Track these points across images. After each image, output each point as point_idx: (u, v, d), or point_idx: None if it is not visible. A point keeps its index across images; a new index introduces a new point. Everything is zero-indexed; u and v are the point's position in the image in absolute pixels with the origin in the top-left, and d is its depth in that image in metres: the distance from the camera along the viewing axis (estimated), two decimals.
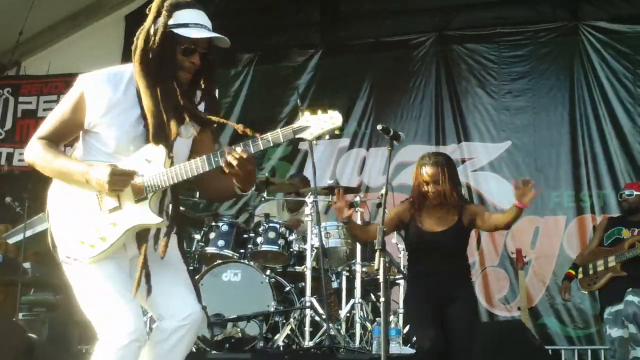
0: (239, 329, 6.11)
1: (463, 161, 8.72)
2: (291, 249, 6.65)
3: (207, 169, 3.18)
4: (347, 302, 6.40)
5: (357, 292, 6.33)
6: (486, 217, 5.01)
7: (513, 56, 8.82)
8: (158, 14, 3.27)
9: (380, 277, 4.25)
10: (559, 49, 8.68)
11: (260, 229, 6.67)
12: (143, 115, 3.26)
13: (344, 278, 6.51)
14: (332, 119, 3.11)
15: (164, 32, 3.23)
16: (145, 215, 3.23)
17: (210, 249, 6.70)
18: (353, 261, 6.48)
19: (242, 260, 6.51)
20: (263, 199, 7.31)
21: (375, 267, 4.23)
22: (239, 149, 3.12)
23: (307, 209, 6.39)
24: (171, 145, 3.27)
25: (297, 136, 3.11)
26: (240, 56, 9.63)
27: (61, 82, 9.92)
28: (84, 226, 3.23)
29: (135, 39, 3.31)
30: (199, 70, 3.34)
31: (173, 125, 3.26)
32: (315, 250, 6.39)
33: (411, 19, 9.28)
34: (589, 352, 7.87)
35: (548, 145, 8.52)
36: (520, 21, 8.86)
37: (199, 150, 3.39)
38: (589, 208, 8.22)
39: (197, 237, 6.82)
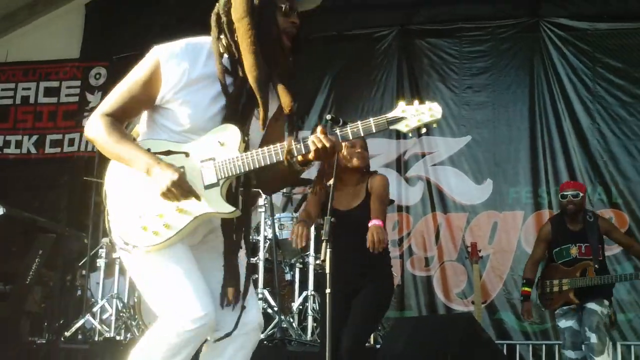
0: None
1: (423, 155, 8.74)
2: None
3: (289, 157, 2.91)
4: (299, 295, 6.38)
5: (310, 284, 6.31)
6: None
7: (474, 51, 8.84)
8: None
9: (327, 269, 4.20)
10: (520, 45, 8.71)
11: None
12: (225, 92, 2.97)
13: (297, 270, 6.50)
14: (431, 110, 2.83)
15: None
16: (217, 203, 2.92)
17: None
18: (307, 253, 6.46)
19: None
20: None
21: (322, 258, 4.17)
22: (325, 138, 2.84)
23: (261, 201, 6.35)
24: (248, 127, 2.99)
25: (391, 127, 2.84)
26: None
27: (19, 71, 9.82)
28: (146, 210, 2.94)
29: (223, 12, 2.99)
30: (296, 36, 3.03)
31: (287, 98, 2.98)
32: (268, 242, 6.36)
33: (374, 13, 9.25)
34: (544, 347, 7.89)
35: (507, 141, 8.55)
36: (482, 17, 8.87)
37: (269, 136, 3.10)
38: (547, 204, 8.25)
39: None
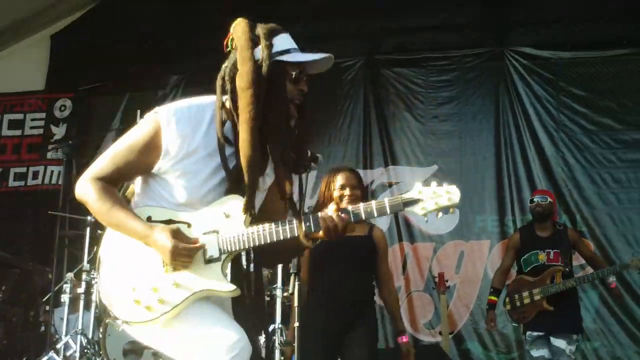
0: (159, 357, 5.99)
1: (390, 185, 8.74)
2: None
3: (296, 234, 2.75)
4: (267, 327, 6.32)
5: (277, 316, 6.27)
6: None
7: (440, 81, 8.89)
8: (255, 45, 2.81)
9: (295, 302, 4.18)
10: (485, 74, 8.77)
11: None
12: (225, 168, 2.81)
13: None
14: (449, 194, 2.72)
15: (271, 64, 2.78)
16: (217, 280, 2.75)
17: None
18: (274, 285, 6.42)
19: None
20: None
21: (290, 291, 4.15)
22: (337, 217, 2.73)
23: None
24: (253, 200, 2.81)
25: (406, 209, 2.72)
26: (168, 77, 9.52)
27: None
28: (140, 283, 2.76)
29: (228, 78, 2.84)
30: (303, 103, 2.88)
31: (282, 181, 2.85)
32: None
33: (340, 42, 9.25)
34: None
35: (473, 170, 8.59)
36: (448, 46, 8.92)
37: (268, 206, 2.98)
38: (513, 233, 8.26)
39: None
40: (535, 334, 6.50)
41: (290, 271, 4.10)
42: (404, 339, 5.05)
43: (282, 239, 2.75)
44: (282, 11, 8.80)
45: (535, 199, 6.87)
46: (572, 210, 8.18)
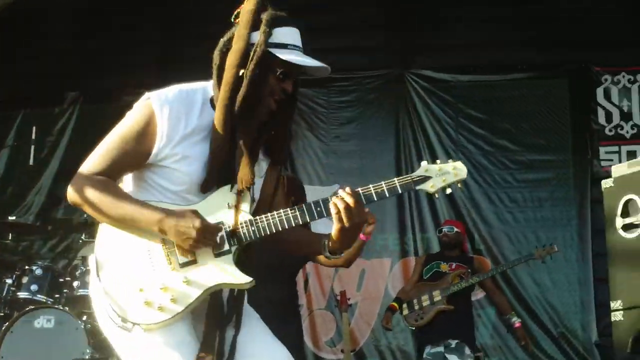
0: None
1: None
2: None
3: (308, 220, 2.65)
4: None
5: None
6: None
7: (342, 101, 8.95)
8: (254, 27, 2.69)
9: None
10: (386, 96, 8.88)
11: (77, 273, 6.38)
12: (224, 147, 2.69)
13: None
14: (455, 169, 2.71)
15: (263, 52, 2.65)
16: (231, 273, 2.63)
17: (22, 294, 6.32)
18: None
19: (56, 306, 6.18)
20: (81, 241, 7.00)
21: None
22: (348, 198, 2.60)
23: None
24: (213, 179, 2.67)
25: (417, 187, 2.69)
26: (66, 94, 9.29)
27: None
28: (147, 283, 2.60)
29: (218, 52, 2.73)
30: (287, 100, 2.77)
31: (247, 172, 2.67)
32: None
33: None
34: None
35: None
36: (350, 67, 8.97)
37: (266, 193, 2.85)
38: (413, 251, 8.40)
39: (9, 281, 6.42)
40: (433, 350, 6.58)
41: None
42: None
43: (293, 225, 2.64)
44: None
45: (443, 229, 7.06)
46: (470, 230, 8.34)
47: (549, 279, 8.12)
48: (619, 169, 5.19)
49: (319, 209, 2.65)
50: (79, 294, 6.29)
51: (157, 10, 8.95)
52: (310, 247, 2.92)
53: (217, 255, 2.64)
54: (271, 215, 2.65)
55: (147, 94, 2.70)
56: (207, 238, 2.59)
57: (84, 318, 6.18)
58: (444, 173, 2.70)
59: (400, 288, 7.25)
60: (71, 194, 2.69)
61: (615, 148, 8.38)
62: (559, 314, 8.11)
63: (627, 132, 8.41)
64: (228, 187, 2.68)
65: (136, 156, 2.67)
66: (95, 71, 9.14)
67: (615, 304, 5.00)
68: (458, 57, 8.80)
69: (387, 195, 2.68)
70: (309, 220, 2.65)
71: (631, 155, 7.91)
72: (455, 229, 6.99)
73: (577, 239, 8.27)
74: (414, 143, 8.68)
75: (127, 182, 2.78)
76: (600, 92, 8.52)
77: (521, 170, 8.48)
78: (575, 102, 8.57)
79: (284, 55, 2.68)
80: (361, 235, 4.59)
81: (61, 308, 6.16)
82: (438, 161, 2.73)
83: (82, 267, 6.38)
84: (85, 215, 7.20)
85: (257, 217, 2.66)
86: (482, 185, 8.49)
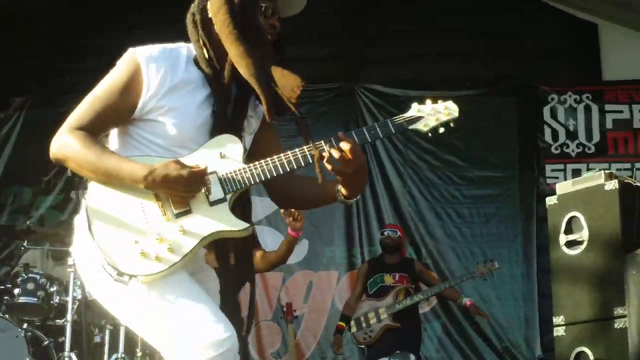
0: None
1: None
2: (52, 301, 6.29)
3: (303, 165, 2.60)
4: (109, 357, 6.13)
5: (121, 346, 6.10)
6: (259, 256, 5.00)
7: (291, 114, 8.92)
8: None
9: None
10: (336, 109, 8.88)
11: (19, 280, 6.28)
12: (215, 96, 2.65)
13: (107, 332, 6.24)
14: (447, 109, 2.67)
15: None
16: (228, 220, 2.56)
17: None
18: None
19: None
20: (23, 248, 6.89)
21: None
22: (343, 141, 2.56)
23: (70, 260, 6.09)
24: (272, 106, 2.62)
25: (410, 127, 2.65)
26: (12, 99, 9.13)
27: None
28: (142, 234, 2.53)
29: (197, 10, 2.71)
30: (276, 41, 2.73)
31: (289, 76, 2.63)
32: (77, 303, 6.10)
33: None
34: None
35: None
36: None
37: (263, 150, 2.75)
38: (360, 264, 8.37)
39: None
40: None
41: None
42: None
43: (288, 170, 2.61)
44: None
45: (386, 232, 7.18)
46: (417, 243, 8.39)
47: (494, 294, 8.19)
48: (564, 187, 5.27)
49: (312, 152, 2.61)
50: (20, 301, 6.20)
51: (105, 19, 8.86)
52: (325, 197, 2.81)
53: (212, 203, 2.58)
54: (264, 162, 2.60)
55: (131, 49, 2.66)
56: (198, 182, 2.53)
57: (25, 326, 6.11)
58: (436, 112, 2.67)
59: (345, 303, 7.27)
60: (54, 150, 2.62)
61: (561, 166, 8.52)
62: (503, 328, 8.18)
63: (573, 150, 8.56)
64: (218, 138, 2.64)
65: (121, 110, 2.62)
66: (42, 77, 9.03)
67: (558, 320, 5.06)
68: (408, 72, 8.86)
69: (381, 135, 2.64)
70: (303, 165, 2.61)
71: (576, 173, 8.02)
72: (399, 233, 7.11)
73: (522, 255, 8.37)
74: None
75: (112, 139, 2.72)
76: (547, 111, 8.66)
77: (468, 186, 8.56)
78: (523, 120, 8.70)
79: None
80: (291, 232, 4.61)
81: (1, 315, 6.07)
82: (428, 101, 2.70)
83: (24, 275, 6.29)
84: (28, 222, 7.13)
85: (251, 164, 2.61)
86: (429, 200, 8.55)
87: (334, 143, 2.59)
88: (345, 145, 2.56)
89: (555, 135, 8.62)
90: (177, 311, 2.50)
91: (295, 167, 2.62)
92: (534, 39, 8.70)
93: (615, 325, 4.64)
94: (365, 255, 8.38)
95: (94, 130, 2.60)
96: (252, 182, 2.59)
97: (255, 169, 2.60)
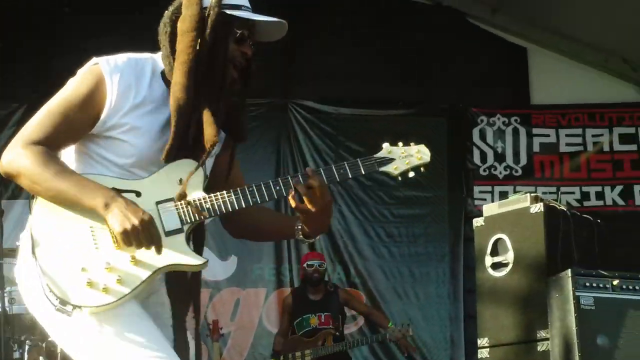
0: None
1: None
2: None
3: (267, 200, 2.49)
4: None
5: None
6: None
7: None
8: None
9: None
10: (269, 124, 8.82)
11: None
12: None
13: (26, 347, 6.06)
14: (419, 153, 2.59)
15: (218, 13, 2.49)
16: (184, 253, 2.40)
17: None
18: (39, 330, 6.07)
19: None
20: None
21: None
22: (311, 179, 2.46)
23: None
24: (175, 147, 2.46)
25: (380, 169, 2.56)
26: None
27: None
28: (90, 262, 2.33)
29: (168, 21, 2.56)
30: (245, 68, 2.59)
31: (211, 131, 2.46)
32: None
33: None
34: None
35: None
36: None
37: (217, 175, 2.64)
38: (289, 281, 8.36)
39: None
40: None
41: None
42: None
43: (250, 204, 2.47)
44: None
45: (313, 264, 7.13)
46: (346, 262, 8.39)
47: (420, 314, 8.24)
48: (490, 209, 5.32)
49: (277, 188, 2.51)
50: None
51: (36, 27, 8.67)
52: (282, 232, 2.77)
53: (168, 234, 2.41)
54: (227, 193, 2.47)
55: (94, 59, 2.50)
56: (143, 238, 2.33)
57: None
58: (407, 156, 2.59)
59: (275, 335, 7.25)
60: (5, 164, 2.41)
61: (489, 188, 8.62)
62: (429, 349, 8.22)
63: (500, 172, 8.67)
64: (178, 162, 2.48)
65: (81, 124, 2.45)
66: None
67: (482, 341, 5.08)
68: (340, 90, 8.88)
69: (350, 175, 2.54)
70: (267, 200, 2.50)
71: (503, 195, 8.11)
72: (324, 263, 7.10)
73: (449, 275, 8.43)
74: (294, 173, 8.65)
75: (67, 156, 2.54)
76: (476, 132, 8.77)
77: (398, 205, 8.59)
78: (452, 141, 8.79)
79: (240, 14, 2.56)
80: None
81: None
82: (400, 143, 2.61)
83: None
84: None
85: (212, 195, 2.47)
86: (359, 218, 8.56)
87: (301, 179, 2.50)
88: (314, 182, 2.48)
89: (483, 157, 8.73)
90: (122, 352, 2.33)
91: (260, 202, 2.50)
92: (465, 61, 8.81)
93: (538, 348, 4.69)
94: (293, 272, 8.32)
95: (51, 145, 2.42)
96: (212, 215, 2.47)
97: (216, 200, 2.46)
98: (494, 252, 5.08)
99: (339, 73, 8.77)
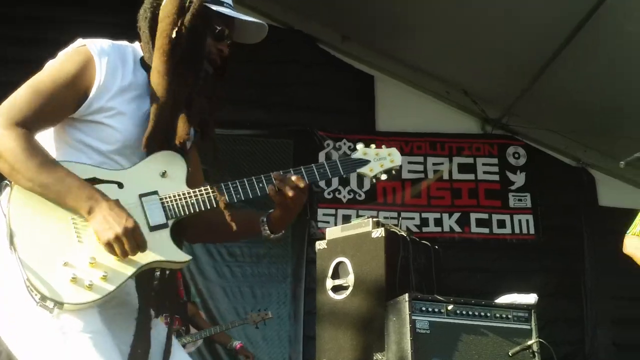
0: None
1: None
2: None
3: (250, 196, 2.53)
4: None
5: None
6: None
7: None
8: None
9: None
10: None
11: None
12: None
13: None
14: (391, 156, 2.65)
15: (200, 6, 2.46)
16: (169, 249, 2.35)
17: None
18: None
19: None
20: None
21: None
22: (293, 177, 2.53)
23: None
24: (157, 133, 2.41)
25: (357, 170, 2.62)
26: None
27: None
28: (73, 256, 2.21)
29: (149, 6, 2.51)
30: (221, 66, 2.60)
31: (183, 127, 2.45)
32: None
33: None
34: None
35: None
36: None
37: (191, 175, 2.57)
38: None
39: None
40: None
41: None
42: None
43: (235, 201, 2.49)
44: None
45: None
46: (187, 282, 8.25)
47: (260, 335, 8.19)
48: (333, 232, 5.37)
49: (261, 185, 2.55)
50: None
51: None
52: (249, 228, 2.73)
53: (153, 229, 2.35)
54: (211, 188, 2.48)
55: (80, 40, 2.44)
56: (127, 246, 2.25)
57: None
58: (380, 158, 2.66)
59: None
60: None
61: (332, 211, 8.72)
62: None
63: (344, 196, 8.79)
64: (159, 154, 2.45)
65: (66, 105, 2.34)
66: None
67: None
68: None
69: (330, 176, 2.63)
70: (251, 197, 2.53)
71: (346, 219, 8.23)
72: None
73: (290, 297, 8.45)
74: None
75: (45, 141, 2.39)
76: (322, 156, 8.85)
77: None
78: (299, 163, 8.80)
79: (221, 9, 2.55)
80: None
81: None
82: (372, 145, 2.67)
83: None
84: None
85: (197, 190, 2.46)
86: None
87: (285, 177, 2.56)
88: (300, 183, 2.55)
89: (328, 180, 8.82)
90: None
91: (243, 198, 2.54)
92: (314, 85, 8.90)
93: None
94: None
95: (34, 126, 2.29)
96: (197, 210, 2.44)
97: (201, 195, 2.46)
98: (335, 275, 5.14)
99: None
